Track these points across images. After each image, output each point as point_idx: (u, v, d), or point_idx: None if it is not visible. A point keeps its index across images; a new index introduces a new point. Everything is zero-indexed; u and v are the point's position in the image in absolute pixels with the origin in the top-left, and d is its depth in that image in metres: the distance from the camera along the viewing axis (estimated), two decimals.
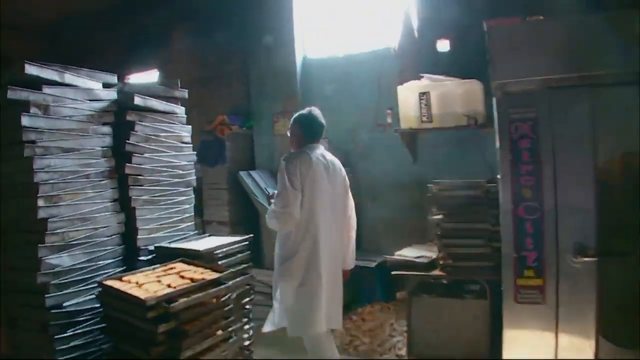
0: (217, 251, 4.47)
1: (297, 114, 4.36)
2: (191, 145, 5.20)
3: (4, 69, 4.27)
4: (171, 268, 4.17)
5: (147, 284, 3.80)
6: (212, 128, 6.63)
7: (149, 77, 7.89)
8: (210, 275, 3.97)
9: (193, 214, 5.19)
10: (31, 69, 4.07)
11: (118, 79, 4.86)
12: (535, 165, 3.83)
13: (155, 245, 4.64)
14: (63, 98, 4.25)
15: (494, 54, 3.97)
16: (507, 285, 4.05)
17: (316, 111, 4.42)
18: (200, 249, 4.40)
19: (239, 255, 4.75)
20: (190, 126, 5.20)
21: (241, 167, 6.19)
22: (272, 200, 4.17)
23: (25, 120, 3.99)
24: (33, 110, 4.04)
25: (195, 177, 5.22)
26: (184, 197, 5.06)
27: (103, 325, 4.02)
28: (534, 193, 3.86)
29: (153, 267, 4.25)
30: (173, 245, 4.60)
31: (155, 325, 3.52)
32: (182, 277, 3.94)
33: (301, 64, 6.92)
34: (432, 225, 5.19)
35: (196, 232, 5.14)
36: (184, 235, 5.00)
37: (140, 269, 4.23)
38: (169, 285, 3.77)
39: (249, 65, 7.21)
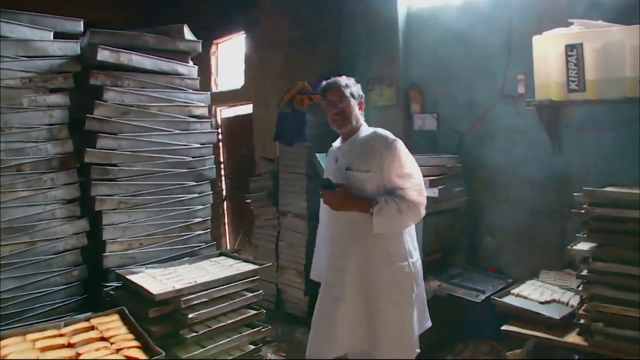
0: (189, 295, 2.31)
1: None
2: (209, 120, 3.08)
3: None
4: (89, 328, 2.18)
5: None
6: (289, 98, 4.40)
7: (237, 41, 5.84)
8: (133, 351, 1.88)
9: (209, 217, 3.07)
10: None
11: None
12: None
13: (116, 270, 2.62)
14: None
15: None
16: None
17: None
18: (155, 291, 2.26)
19: (240, 298, 2.61)
20: (207, 94, 3.14)
21: (325, 147, 3.75)
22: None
23: None
24: None
25: (213, 167, 3.14)
26: (192, 195, 3.05)
27: None
28: None
29: (72, 318, 2.33)
30: (133, 275, 2.58)
31: None
32: (77, 356, 1.88)
33: (404, 16, 4.38)
34: (575, 257, 2.74)
35: (212, 244, 3.11)
36: (191, 251, 2.96)
37: (50, 321, 2.31)
38: None
39: (343, 22, 4.85)
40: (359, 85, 2.56)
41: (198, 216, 3.14)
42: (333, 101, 2.45)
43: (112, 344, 2.08)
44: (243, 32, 5.68)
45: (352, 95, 2.49)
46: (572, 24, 3.13)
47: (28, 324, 2.47)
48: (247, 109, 5.64)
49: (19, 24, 2.65)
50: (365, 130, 2.54)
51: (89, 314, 2.47)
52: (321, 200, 2.54)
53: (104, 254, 2.79)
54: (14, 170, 2.58)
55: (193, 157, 3.10)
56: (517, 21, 3.76)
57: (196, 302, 2.47)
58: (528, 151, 3.75)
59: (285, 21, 5.08)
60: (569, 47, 3.01)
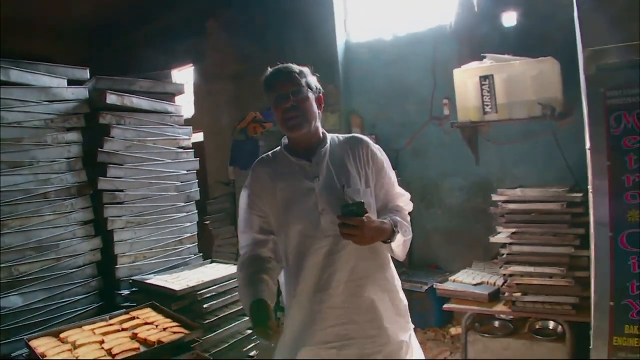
0: (202, 290, 3.00)
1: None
2: (192, 150, 3.80)
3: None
4: (132, 318, 2.82)
5: (84, 347, 2.49)
6: (243, 126, 5.16)
7: (185, 73, 6.55)
8: (173, 334, 2.55)
9: (196, 233, 3.74)
10: None
11: (152, 75, 3.60)
12: None
13: (133, 278, 3.25)
14: (9, 100, 3.04)
15: (585, 10, 2.61)
16: (598, 342, 2.64)
17: None
18: (176, 288, 2.94)
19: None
20: (190, 127, 3.81)
21: None
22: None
23: None
24: None
25: (197, 190, 3.83)
26: (182, 214, 3.72)
27: None
28: None
29: (110, 314, 2.90)
30: (150, 280, 3.21)
31: None
32: (136, 336, 2.52)
33: (343, 49, 5.29)
34: (497, 246, 3.65)
35: (199, 255, 3.72)
36: (183, 261, 3.61)
37: (95, 318, 2.91)
38: (109, 352, 2.37)
39: (286, 55, 5.66)
40: (315, 77, 2.05)
41: (187, 231, 3.75)
42: (284, 93, 1.92)
43: (156, 326, 2.74)
44: (191, 64, 6.38)
45: (308, 86, 1.98)
46: (485, 57, 3.97)
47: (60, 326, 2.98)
48: (197, 137, 6.28)
49: (41, 74, 3.21)
50: (330, 135, 2.08)
51: (123, 310, 3.02)
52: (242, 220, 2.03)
53: (116, 266, 3.34)
54: (41, 197, 3.10)
55: (181, 182, 3.71)
56: (441, 52, 4.62)
57: (207, 295, 3.08)
58: (455, 163, 4.67)
59: (232, 55, 5.82)
60: (483, 78, 3.84)
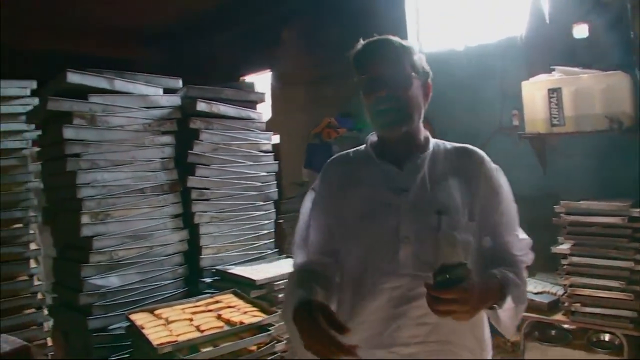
0: (278, 281, 3.40)
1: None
2: (272, 154, 4.20)
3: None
4: (216, 302, 3.24)
5: (176, 323, 2.93)
6: (318, 131, 5.57)
7: (262, 78, 7.03)
8: (253, 317, 2.94)
9: (274, 230, 4.17)
10: (73, 77, 3.43)
11: (231, 80, 4.04)
12: None
13: (216, 268, 3.69)
14: (113, 107, 3.56)
15: None
16: None
17: None
18: (256, 278, 3.35)
19: None
20: (270, 133, 4.23)
21: None
22: None
23: (67, 132, 3.37)
24: (77, 121, 3.41)
25: (276, 190, 4.22)
26: (261, 212, 4.14)
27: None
28: None
29: (197, 298, 3.32)
30: (232, 270, 3.64)
31: None
32: (220, 317, 2.94)
33: None
34: (560, 256, 3.80)
35: (276, 250, 4.13)
36: (260, 255, 4.03)
37: (182, 300, 3.36)
38: (198, 328, 2.79)
39: None
40: (422, 57, 1.61)
41: (265, 228, 4.14)
42: (378, 77, 1.49)
43: (238, 310, 3.16)
44: (268, 69, 6.87)
45: (413, 68, 1.53)
46: (554, 70, 4.12)
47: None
48: (274, 139, 6.72)
49: (140, 84, 3.69)
50: (434, 140, 1.65)
51: (208, 294, 3.46)
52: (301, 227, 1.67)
53: (201, 257, 3.78)
54: (138, 192, 3.58)
55: (261, 183, 4.12)
56: (511, 63, 4.73)
57: (282, 286, 3.45)
58: (522, 173, 4.87)
59: (306, 62, 6.25)
60: (551, 91, 3.99)
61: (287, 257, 4.10)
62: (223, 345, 2.74)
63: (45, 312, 4.48)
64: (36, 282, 4.47)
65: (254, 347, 2.89)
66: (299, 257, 1.68)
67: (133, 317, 3.02)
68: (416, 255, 1.43)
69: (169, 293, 3.65)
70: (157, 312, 3.09)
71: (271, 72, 6.86)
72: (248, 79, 7.13)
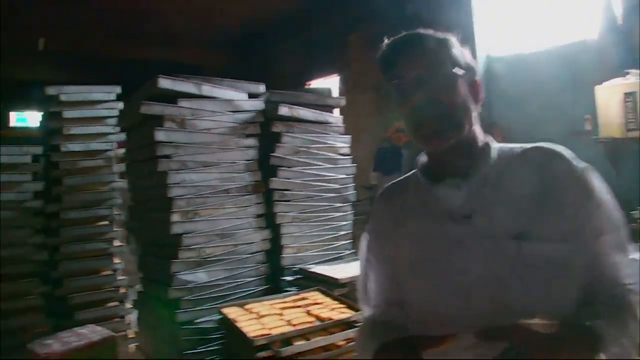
0: None
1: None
2: (350, 157, 4.36)
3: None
4: (303, 298, 3.40)
5: (267, 317, 3.09)
6: (387, 135, 5.72)
7: (329, 83, 7.21)
8: (341, 313, 3.10)
9: (351, 231, 4.32)
10: (164, 83, 3.66)
11: (298, 85, 4.21)
12: None
13: (299, 266, 3.87)
14: (201, 110, 3.78)
15: None
16: None
17: None
18: (338, 277, 3.51)
19: None
20: (349, 136, 4.36)
21: None
22: None
23: (159, 135, 3.59)
24: (168, 124, 3.64)
25: (354, 192, 4.38)
26: (340, 214, 4.29)
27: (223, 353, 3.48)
28: None
29: (284, 294, 3.51)
30: (315, 269, 3.80)
31: None
32: (309, 313, 3.10)
33: (484, 64, 5.66)
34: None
35: (352, 251, 4.28)
36: (338, 255, 4.20)
37: (270, 296, 3.54)
38: (289, 322, 2.96)
39: None
40: (466, 51, 1.29)
41: (343, 229, 4.27)
42: (412, 81, 1.18)
43: (325, 306, 3.31)
44: (336, 74, 7.06)
45: (455, 64, 1.21)
46: (628, 73, 4.11)
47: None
48: None
49: (226, 89, 3.90)
50: (496, 145, 1.30)
51: (294, 292, 3.63)
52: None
53: (282, 256, 3.93)
54: (224, 192, 3.78)
55: (339, 185, 4.25)
56: (582, 66, 4.73)
57: None
58: None
59: (373, 66, 6.40)
60: (627, 95, 4.01)
61: None
62: (314, 339, 2.90)
63: (128, 305, 4.76)
64: (119, 277, 4.76)
65: (342, 342, 3.03)
66: (365, 310, 1.47)
67: (225, 310, 3.21)
68: (493, 299, 1.11)
69: (251, 290, 3.83)
70: (247, 306, 3.28)
71: (339, 77, 7.03)
72: (315, 84, 7.33)
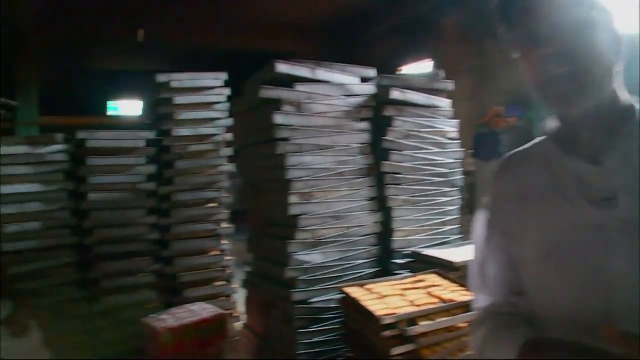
0: None
1: None
2: (458, 141, 4.35)
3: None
4: (420, 280, 3.44)
5: (389, 297, 3.17)
6: (485, 120, 5.66)
7: (422, 67, 7.19)
8: (462, 295, 3.13)
9: (458, 216, 4.33)
10: (281, 67, 3.76)
11: (389, 71, 4.25)
12: None
13: (412, 249, 3.91)
14: (315, 94, 3.88)
15: None
16: None
17: None
18: (454, 260, 3.53)
19: None
20: (457, 120, 4.36)
21: None
22: None
23: (277, 118, 3.71)
24: (285, 107, 3.75)
25: (462, 177, 4.38)
26: (447, 198, 4.30)
27: (341, 331, 3.56)
28: None
29: (401, 276, 3.58)
30: (428, 252, 3.84)
31: (390, 346, 2.89)
32: (430, 294, 3.15)
33: None
34: None
35: (460, 236, 4.29)
36: (445, 240, 4.23)
37: (387, 277, 3.63)
38: (412, 303, 3.02)
39: None
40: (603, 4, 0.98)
41: (450, 214, 4.29)
42: (537, 28, 0.97)
43: (444, 288, 3.35)
44: (428, 58, 7.04)
45: (591, 9, 0.96)
46: None
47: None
48: None
49: (339, 72, 3.99)
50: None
51: (410, 274, 3.65)
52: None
53: (392, 239, 4.00)
54: (338, 175, 3.87)
55: (447, 170, 4.27)
56: None
57: None
58: None
59: (468, 50, 6.37)
60: None
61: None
62: (439, 320, 2.95)
63: (234, 285, 4.96)
64: (226, 257, 4.96)
65: (463, 324, 3.07)
66: (480, 299, 1.30)
67: (347, 289, 3.30)
68: (638, 298, 0.92)
69: (363, 271, 3.90)
70: (367, 286, 3.36)
71: (432, 62, 7.01)
72: (407, 68, 7.34)
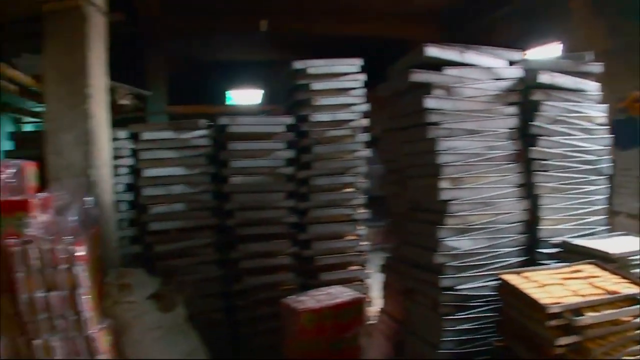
0: (633, 257, 3.45)
1: None
2: (607, 127, 4.18)
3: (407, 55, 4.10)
4: (577, 270, 3.38)
5: (550, 286, 3.16)
6: (624, 105, 5.37)
7: (549, 51, 6.88)
8: (627, 287, 3.05)
9: (606, 206, 4.19)
10: (431, 51, 3.79)
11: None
12: None
13: (562, 239, 3.84)
14: (464, 78, 3.88)
15: None
16: None
17: None
18: (611, 252, 3.44)
19: None
20: (605, 105, 4.19)
21: None
22: None
23: (429, 102, 3.74)
24: (436, 92, 3.77)
25: (610, 165, 4.20)
26: (594, 187, 4.16)
27: (497, 319, 3.58)
28: None
29: (558, 265, 3.52)
30: (581, 242, 3.74)
31: (555, 336, 2.88)
32: (592, 285, 3.10)
33: None
34: None
35: (607, 228, 4.16)
36: (591, 230, 4.11)
37: (541, 266, 3.59)
38: (575, 292, 2.99)
39: None
40: None
41: (598, 204, 4.12)
42: None
43: (605, 280, 3.22)
44: (557, 41, 6.76)
45: None
46: None
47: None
48: None
49: (487, 56, 3.95)
50: None
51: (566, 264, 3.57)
52: None
53: (539, 227, 3.92)
54: (487, 161, 3.80)
55: (596, 157, 4.12)
56: None
57: (637, 262, 3.50)
58: None
59: (600, 31, 6.03)
60: None
61: (626, 234, 4.10)
62: (606, 312, 2.89)
63: (368, 270, 5.07)
64: (362, 242, 5.07)
65: (627, 318, 2.98)
66: None
67: (505, 277, 3.31)
68: None
69: (510, 260, 3.86)
70: (524, 274, 3.35)
71: (561, 44, 6.74)
72: (533, 51, 7.10)
